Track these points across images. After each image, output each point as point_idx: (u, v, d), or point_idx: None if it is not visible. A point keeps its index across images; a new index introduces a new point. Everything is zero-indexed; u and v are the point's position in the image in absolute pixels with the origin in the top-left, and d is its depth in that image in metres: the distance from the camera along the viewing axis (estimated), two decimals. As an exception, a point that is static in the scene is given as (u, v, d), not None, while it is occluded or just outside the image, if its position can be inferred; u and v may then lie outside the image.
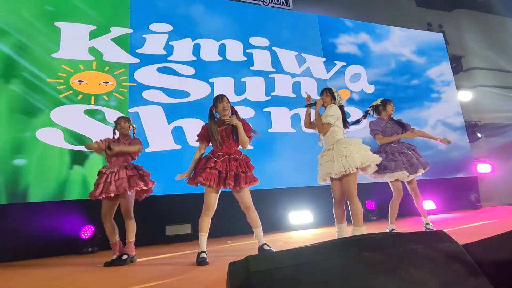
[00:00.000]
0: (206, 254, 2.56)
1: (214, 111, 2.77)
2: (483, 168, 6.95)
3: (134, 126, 3.27)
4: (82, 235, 3.97)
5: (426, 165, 3.38)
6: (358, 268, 0.72)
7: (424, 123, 6.85)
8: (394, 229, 3.27)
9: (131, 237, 2.94)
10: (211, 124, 2.71)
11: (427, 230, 3.28)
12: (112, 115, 4.53)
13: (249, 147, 2.82)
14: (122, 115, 3.53)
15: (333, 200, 2.70)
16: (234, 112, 2.82)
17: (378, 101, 3.69)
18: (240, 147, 2.76)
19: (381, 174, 3.30)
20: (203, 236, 2.58)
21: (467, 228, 3.81)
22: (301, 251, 0.73)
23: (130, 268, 2.70)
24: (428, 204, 5.96)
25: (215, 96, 2.81)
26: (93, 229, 4.01)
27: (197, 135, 2.77)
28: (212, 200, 2.58)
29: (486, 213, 5.56)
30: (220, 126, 2.71)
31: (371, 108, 3.69)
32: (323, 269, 0.70)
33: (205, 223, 2.57)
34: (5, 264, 3.49)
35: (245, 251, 3.12)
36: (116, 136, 3.17)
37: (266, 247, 2.62)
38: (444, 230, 0.90)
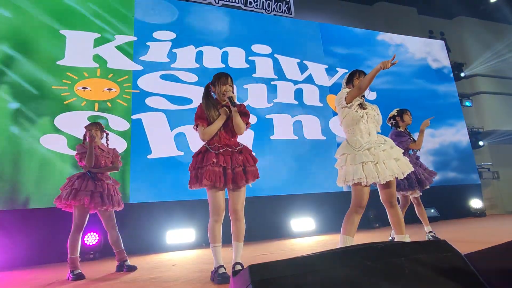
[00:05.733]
0: (225, 269, 2.09)
1: (211, 92, 2.29)
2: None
3: (108, 132, 3.06)
4: (85, 241, 3.97)
5: (432, 180, 3.36)
6: (361, 278, 0.73)
7: (426, 130, 6.84)
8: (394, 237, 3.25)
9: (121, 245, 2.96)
10: (208, 102, 2.23)
11: (431, 238, 3.26)
12: (116, 121, 4.56)
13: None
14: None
15: (360, 207, 2.21)
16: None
17: (394, 112, 3.56)
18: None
19: None
20: (218, 247, 2.11)
21: (470, 236, 3.78)
22: (304, 260, 0.73)
23: (131, 275, 2.70)
24: (431, 212, 5.93)
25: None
26: (96, 236, 4.02)
27: (195, 119, 2.26)
28: (221, 200, 2.12)
29: (490, 221, 5.51)
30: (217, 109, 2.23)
31: (389, 120, 3.60)
32: (326, 278, 0.70)
33: (217, 231, 2.11)
34: (9, 270, 3.49)
35: (249, 258, 3.10)
36: (102, 142, 3.02)
37: (238, 267, 2.09)
38: (447, 239, 0.90)
